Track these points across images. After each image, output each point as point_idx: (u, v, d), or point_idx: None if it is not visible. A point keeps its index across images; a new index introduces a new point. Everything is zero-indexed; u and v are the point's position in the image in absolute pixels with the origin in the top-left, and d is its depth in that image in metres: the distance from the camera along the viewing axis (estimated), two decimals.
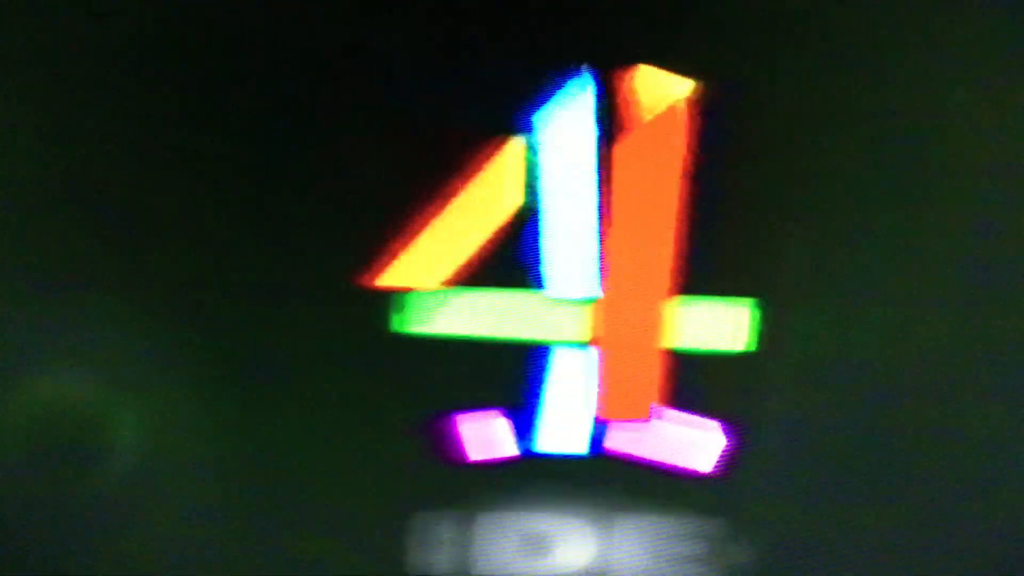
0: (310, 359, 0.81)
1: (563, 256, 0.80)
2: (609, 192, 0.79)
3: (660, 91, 0.78)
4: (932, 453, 0.87)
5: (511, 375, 0.83)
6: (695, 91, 0.78)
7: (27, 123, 0.76)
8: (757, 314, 0.82)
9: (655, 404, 0.83)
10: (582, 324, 0.81)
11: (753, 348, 0.82)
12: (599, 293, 0.81)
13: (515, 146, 0.79)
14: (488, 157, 0.79)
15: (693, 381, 0.83)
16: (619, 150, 0.79)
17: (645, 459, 0.84)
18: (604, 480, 0.85)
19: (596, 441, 0.84)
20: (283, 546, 0.85)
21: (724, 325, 0.82)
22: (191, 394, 0.82)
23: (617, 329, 0.81)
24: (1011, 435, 0.86)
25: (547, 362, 0.82)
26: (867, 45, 0.79)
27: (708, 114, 0.78)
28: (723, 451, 0.85)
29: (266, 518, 0.85)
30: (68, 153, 0.77)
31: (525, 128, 0.78)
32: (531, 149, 0.79)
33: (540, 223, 0.80)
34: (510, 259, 0.81)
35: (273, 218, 0.79)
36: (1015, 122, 0.81)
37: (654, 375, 0.82)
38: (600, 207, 0.79)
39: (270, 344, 0.81)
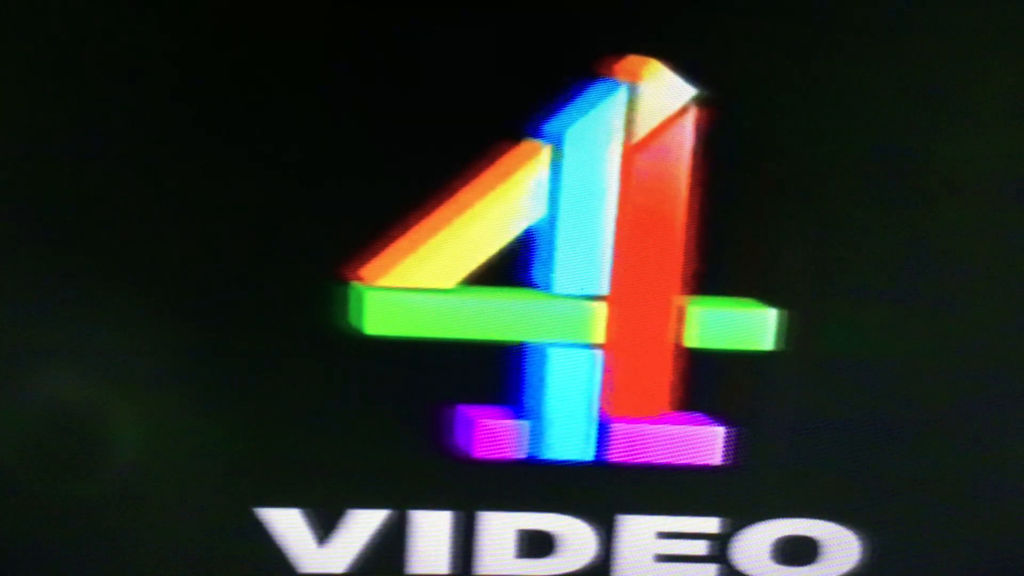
0: (314, 358, 0.81)
1: (573, 255, 0.80)
2: (621, 192, 0.79)
3: (672, 94, 0.78)
4: (940, 453, 0.88)
5: (517, 375, 0.82)
6: (707, 93, 0.78)
7: (25, 124, 0.75)
8: (768, 314, 0.82)
9: (664, 403, 0.83)
10: (590, 324, 0.81)
11: (763, 348, 0.83)
12: (608, 292, 0.81)
13: (530, 149, 0.78)
14: (504, 160, 0.78)
15: (702, 381, 0.83)
16: (631, 152, 0.79)
17: (650, 459, 0.85)
18: (606, 480, 0.85)
19: (599, 441, 0.84)
20: (280, 544, 0.85)
21: (734, 325, 0.82)
22: (187, 394, 0.81)
23: (627, 328, 0.81)
24: (1021, 438, 0.88)
25: (553, 362, 0.82)
26: (873, 47, 0.79)
27: (719, 116, 0.79)
28: (730, 451, 0.85)
29: (262, 517, 0.84)
30: (64, 155, 0.76)
31: (539, 132, 0.78)
32: (545, 152, 0.79)
33: (551, 223, 0.80)
34: (518, 259, 0.80)
35: (277, 218, 0.78)
36: (1019, 122, 0.81)
37: (663, 374, 0.83)
38: (612, 207, 0.79)
39: (270, 345, 0.81)
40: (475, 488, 0.85)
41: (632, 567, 0.88)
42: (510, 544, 0.87)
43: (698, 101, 0.78)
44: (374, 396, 0.82)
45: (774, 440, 0.86)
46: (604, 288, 0.81)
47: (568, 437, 0.84)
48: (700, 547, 0.88)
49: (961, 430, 0.87)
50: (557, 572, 0.88)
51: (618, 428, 0.84)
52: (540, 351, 0.82)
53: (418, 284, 0.80)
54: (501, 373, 0.82)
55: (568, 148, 0.78)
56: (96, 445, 0.82)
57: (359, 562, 0.86)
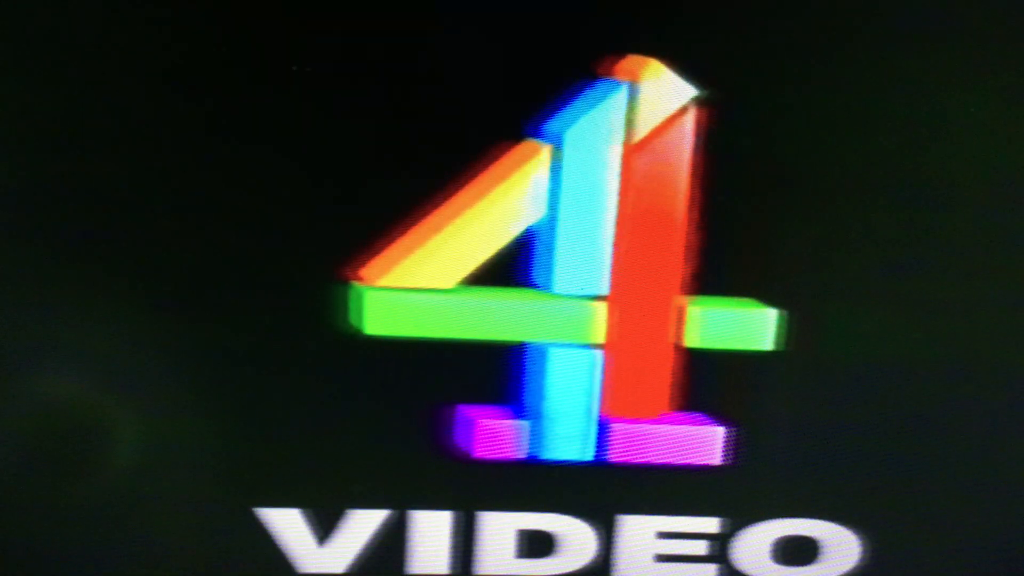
0: (314, 358, 0.81)
1: (573, 255, 0.80)
2: (621, 192, 0.79)
3: (672, 94, 0.78)
4: (941, 453, 0.88)
5: (517, 375, 0.82)
6: (707, 93, 0.78)
7: (24, 124, 0.75)
8: (768, 314, 0.82)
9: (664, 403, 0.83)
10: (590, 324, 0.81)
11: (763, 348, 0.83)
12: (608, 292, 0.81)
13: (530, 149, 0.78)
14: (504, 160, 0.78)
15: (702, 381, 0.83)
16: (631, 152, 0.79)
17: (650, 459, 0.85)
18: (606, 480, 0.85)
19: (599, 441, 0.84)
20: (280, 544, 0.85)
21: (734, 325, 0.82)
22: (187, 394, 0.81)
23: (627, 328, 0.81)
24: (1021, 437, 0.88)
25: (553, 362, 0.82)
26: (874, 47, 0.79)
27: (719, 116, 0.79)
28: (730, 451, 0.85)
29: (262, 517, 0.84)
30: (63, 154, 0.76)
31: (539, 132, 0.78)
32: (545, 152, 0.79)
33: (552, 223, 0.80)
34: (518, 259, 0.80)
35: (276, 218, 0.78)
36: (1020, 121, 0.81)
37: (663, 374, 0.83)
38: (612, 207, 0.79)
39: (269, 344, 0.81)
40: (475, 488, 0.85)
41: (632, 567, 0.88)
42: (510, 544, 0.87)
43: (698, 101, 0.78)
44: (374, 396, 0.82)
45: (774, 440, 0.86)
46: (604, 288, 0.81)
47: (568, 437, 0.84)
48: (700, 547, 0.88)
49: (961, 430, 0.87)
50: (557, 572, 0.88)
51: (618, 428, 0.84)
52: (540, 351, 0.82)
53: (418, 284, 0.80)
54: (501, 373, 0.82)
55: (568, 148, 0.78)
56: (97, 445, 0.82)
57: (359, 562, 0.86)
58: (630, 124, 0.79)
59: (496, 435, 0.83)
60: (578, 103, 0.78)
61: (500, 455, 0.84)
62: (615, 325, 0.81)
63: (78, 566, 0.84)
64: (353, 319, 0.80)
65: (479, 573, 0.87)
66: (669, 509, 0.87)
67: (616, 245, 0.80)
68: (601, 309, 0.81)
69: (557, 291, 0.81)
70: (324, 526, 0.85)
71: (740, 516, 0.88)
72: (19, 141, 0.75)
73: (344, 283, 0.79)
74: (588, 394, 0.83)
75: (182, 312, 0.79)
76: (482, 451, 0.83)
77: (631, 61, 0.78)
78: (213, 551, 0.85)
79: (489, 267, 0.80)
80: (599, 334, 0.81)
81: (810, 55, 0.79)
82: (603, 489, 0.86)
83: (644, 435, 0.84)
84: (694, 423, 0.84)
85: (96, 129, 0.75)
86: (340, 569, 0.86)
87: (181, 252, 0.78)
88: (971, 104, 0.80)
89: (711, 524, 0.88)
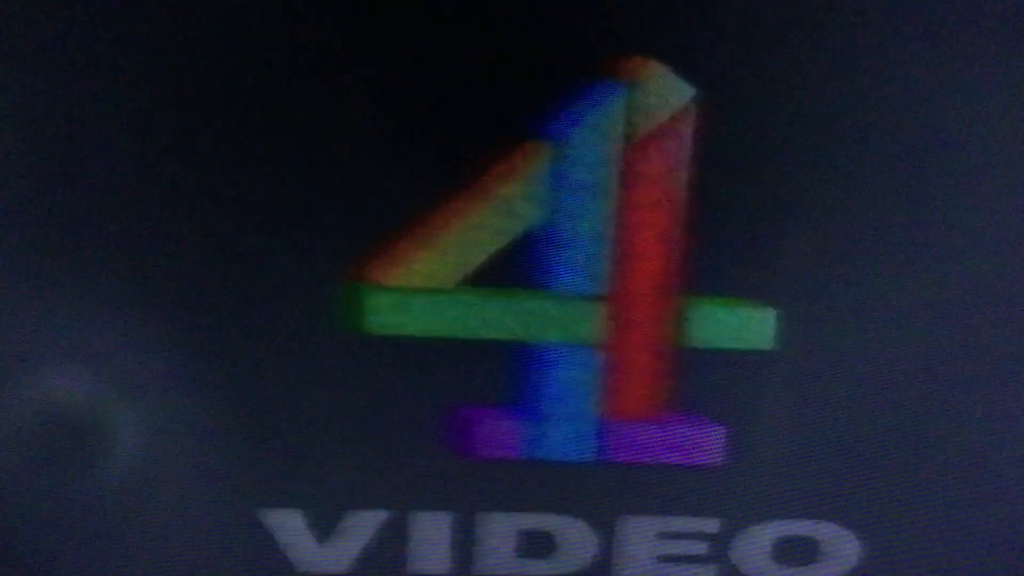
0: (314, 358, 0.81)
1: (573, 255, 0.80)
2: (621, 192, 0.79)
3: (672, 94, 0.78)
4: (941, 453, 0.88)
5: (517, 375, 0.82)
6: (707, 93, 0.78)
7: (24, 122, 0.75)
8: (768, 314, 0.82)
9: (664, 403, 0.83)
10: (590, 324, 0.81)
11: (763, 348, 0.83)
12: (608, 292, 0.81)
13: (530, 149, 0.79)
14: (504, 160, 0.78)
15: (702, 381, 0.83)
16: (631, 152, 0.79)
17: (648, 459, 0.85)
18: (606, 480, 0.85)
19: (599, 441, 0.84)
20: (280, 545, 0.85)
21: (734, 325, 0.82)
22: (186, 394, 0.81)
23: (627, 328, 0.81)
24: (1020, 436, 0.88)
25: (553, 362, 0.82)
26: (874, 47, 0.79)
27: (720, 116, 0.79)
28: (730, 451, 0.85)
29: (262, 518, 0.84)
30: (63, 152, 0.76)
31: (539, 132, 0.78)
32: (546, 152, 0.79)
33: (552, 223, 0.80)
34: (518, 259, 0.80)
35: (276, 217, 0.78)
36: (1019, 121, 0.81)
37: (663, 374, 0.83)
38: (612, 207, 0.79)
39: (269, 343, 0.81)
40: (475, 488, 0.85)
41: (632, 567, 0.88)
42: (510, 544, 0.87)
43: (698, 101, 0.79)
44: (374, 396, 0.82)
45: (774, 440, 0.86)
46: (604, 288, 0.81)
47: (568, 437, 0.84)
48: (700, 547, 0.88)
49: (961, 429, 0.87)
50: (557, 573, 0.88)
51: (618, 428, 0.84)
52: (540, 351, 0.82)
53: (419, 284, 0.80)
54: (501, 373, 0.82)
55: (568, 148, 0.79)
56: (96, 446, 0.82)
57: (359, 563, 0.86)
58: (630, 124, 0.79)
59: (496, 435, 0.83)
60: (578, 103, 0.78)
61: (500, 455, 0.84)
62: (615, 325, 0.81)
63: (77, 567, 0.84)
64: (353, 319, 0.80)
65: (479, 574, 0.87)
66: (669, 509, 0.87)
67: (616, 245, 0.80)
68: (601, 309, 0.81)
69: (557, 291, 0.81)
70: (324, 527, 0.85)
71: (740, 516, 0.88)
72: (19, 139, 0.75)
73: (345, 283, 0.79)
74: (588, 394, 0.83)
75: (182, 311, 0.79)
76: (482, 451, 0.83)
77: (631, 61, 0.78)
78: (212, 552, 0.85)
79: (489, 267, 0.80)
80: (599, 334, 0.82)
81: (810, 55, 0.79)
82: (603, 489, 0.86)
83: (644, 435, 0.84)
84: (694, 423, 0.84)
85: (98, 127, 0.75)
86: (340, 570, 0.86)
87: (181, 251, 0.78)
88: (971, 104, 0.81)
89: (711, 524, 0.88)
